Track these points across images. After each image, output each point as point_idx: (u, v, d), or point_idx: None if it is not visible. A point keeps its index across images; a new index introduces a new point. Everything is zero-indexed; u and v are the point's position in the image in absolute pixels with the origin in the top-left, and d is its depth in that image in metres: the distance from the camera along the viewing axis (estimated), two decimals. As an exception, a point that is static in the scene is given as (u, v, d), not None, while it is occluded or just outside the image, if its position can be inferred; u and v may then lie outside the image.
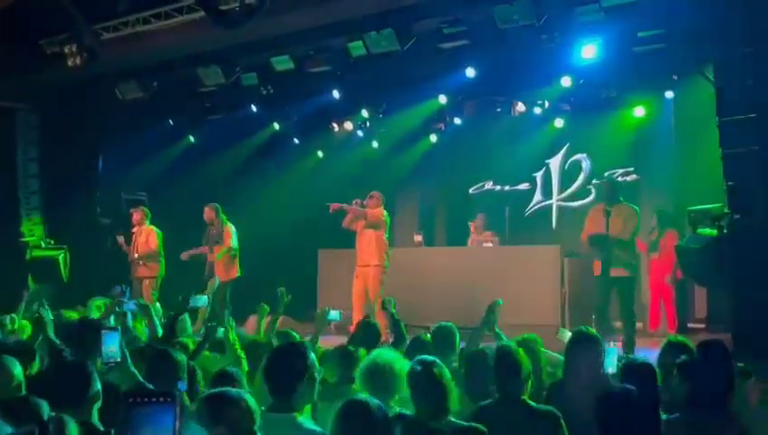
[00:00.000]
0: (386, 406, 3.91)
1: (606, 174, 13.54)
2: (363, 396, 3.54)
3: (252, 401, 3.14)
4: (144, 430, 1.43)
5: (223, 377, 4.21)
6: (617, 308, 9.21)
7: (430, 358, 3.95)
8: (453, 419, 3.75)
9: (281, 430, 3.44)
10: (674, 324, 10.61)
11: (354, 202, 10.48)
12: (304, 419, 3.55)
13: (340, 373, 4.86)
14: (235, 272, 11.12)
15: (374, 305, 9.74)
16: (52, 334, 5.62)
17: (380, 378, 4.10)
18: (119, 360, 4.55)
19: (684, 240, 8.08)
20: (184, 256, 11.42)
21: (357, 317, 9.35)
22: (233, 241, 11.07)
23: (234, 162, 13.88)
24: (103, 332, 4.60)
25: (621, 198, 9.31)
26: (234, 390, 3.31)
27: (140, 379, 4.49)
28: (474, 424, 3.73)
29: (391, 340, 6.38)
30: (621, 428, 3.18)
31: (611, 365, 4.53)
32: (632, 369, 4.14)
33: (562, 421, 3.95)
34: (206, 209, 11.15)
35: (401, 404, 4.05)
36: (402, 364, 4.14)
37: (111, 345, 4.50)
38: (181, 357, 4.62)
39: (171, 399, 1.47)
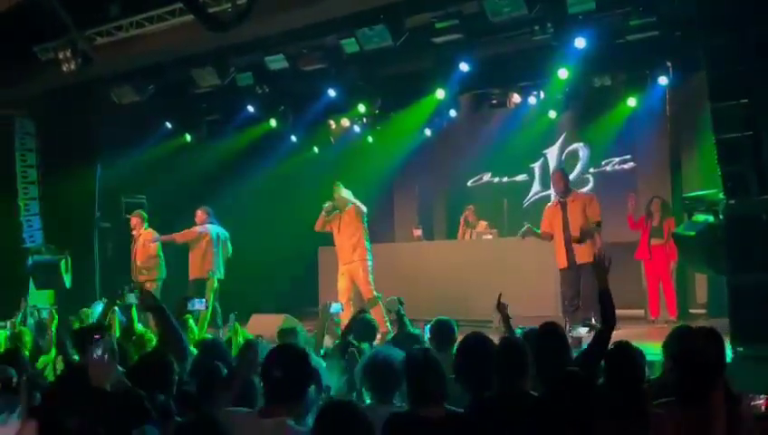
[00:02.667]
0: (389, 403, 3.95)
1: (603, 162, 13.61)
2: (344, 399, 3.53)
3: None
4: None
5: None
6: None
7: (425, 347, 4.00)
8: (448, 406, 3.78)
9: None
10: (674, 311, 10.63)
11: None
12: (294, 423, 3.47)
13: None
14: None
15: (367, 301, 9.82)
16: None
17: (382, 375, 4.12)
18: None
19: (680, 227, 8.12)
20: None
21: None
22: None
23: (232, 162, 13.90)
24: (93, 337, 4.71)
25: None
26: None
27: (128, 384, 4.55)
28: (459, 410, 3.75)
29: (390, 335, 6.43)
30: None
31: None
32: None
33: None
34: (199, 213, 11.44)
35: (403, 400, 4.07)
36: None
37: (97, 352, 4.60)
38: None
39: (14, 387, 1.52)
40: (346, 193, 10.39)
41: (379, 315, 8.87)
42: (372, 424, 3.20)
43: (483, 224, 12.48)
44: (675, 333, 4.38)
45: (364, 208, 10.40)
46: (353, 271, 10.27)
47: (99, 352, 4.58)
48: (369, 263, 10.28)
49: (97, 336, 4.70)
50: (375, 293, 9.97)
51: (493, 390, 4.14)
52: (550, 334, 4.75)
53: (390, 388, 4.09)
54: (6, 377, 3.83)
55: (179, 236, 11.41)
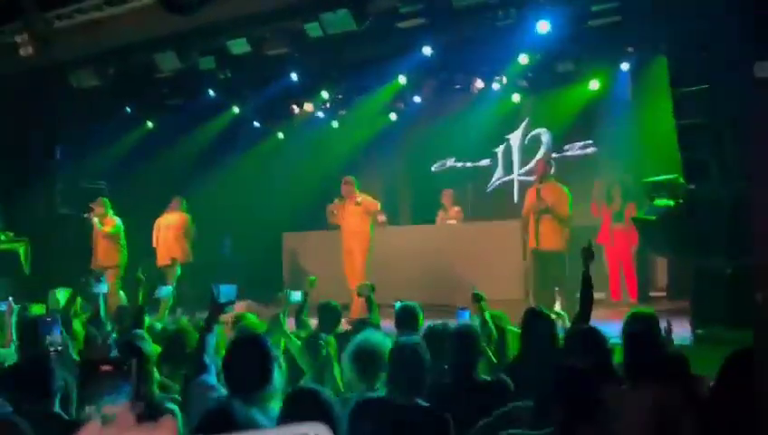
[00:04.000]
0: (372, 389, 3.96)
1: (566, 147, 13.71)
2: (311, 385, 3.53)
3: None
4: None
5: None
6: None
7: (415, 339, 4.02)
8: (420, 401, 3.81)
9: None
10: (635, 294, 10.78)
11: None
12: (257, 412, 3.45)
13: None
14: None
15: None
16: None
17: (368, 361, 4.12)
18: (60, 348, 4.62)
19: (641, 212, 8.21)
20: None
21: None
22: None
23: (193, 147, 13.76)
24: (42, 322, 4.69)
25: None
26: None
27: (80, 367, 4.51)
28: (432, 408, 3.78)
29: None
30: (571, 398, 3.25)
31: None
32: None
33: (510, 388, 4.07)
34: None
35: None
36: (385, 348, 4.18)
37: (53, 334, 4.59)
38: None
39: (127, 365, 1.47)
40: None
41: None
42: (336, 411, 3.21)
43: (455, 209, 12.46)
44: (640, 317, 4.47)
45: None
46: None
47: (54, 335, 4.56)
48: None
49: (49, 319, 4.70)
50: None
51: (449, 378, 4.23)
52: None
53: (376, 374, 4.09)
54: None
55: None
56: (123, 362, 1.45)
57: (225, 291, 4.23)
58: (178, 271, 11.07)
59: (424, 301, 9.24)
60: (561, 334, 5.05)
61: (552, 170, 10.06)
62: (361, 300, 7.27)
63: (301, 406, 3.16)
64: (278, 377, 3.61)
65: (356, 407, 3.63)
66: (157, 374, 4.49)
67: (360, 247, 10.49)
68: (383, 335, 4.52)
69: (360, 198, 10.62)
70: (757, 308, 2.15)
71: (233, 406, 3.27)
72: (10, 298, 5.90)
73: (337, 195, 10.94)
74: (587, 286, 5.09)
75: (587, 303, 5.09)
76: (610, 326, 6.65)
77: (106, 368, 1.44)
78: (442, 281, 10.77)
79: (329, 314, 6.18)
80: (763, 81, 1.95)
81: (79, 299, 6.99)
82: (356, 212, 10.56)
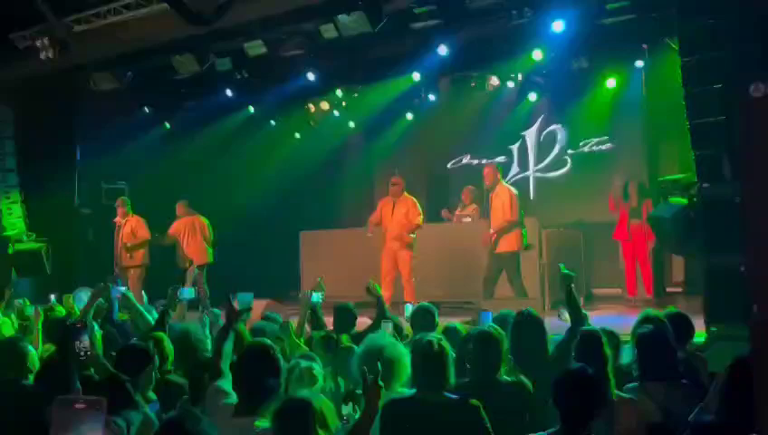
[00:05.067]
0: (390, 390, 4.05)
1: (581, 144, 13.74)
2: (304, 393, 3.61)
3: None
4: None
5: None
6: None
7: (437, 335, 4.11)
8: (448, 394, 3.89)
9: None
10: (651, 290, 10.80)
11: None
12: (263, 422, 3.51)
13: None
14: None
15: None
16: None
17: (382, 363, 4.20)
18: (89, 353, 4.75)
19: (655, 210, 8.25)
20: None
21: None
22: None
23: (211, 147, 13.90)
24: (73, 328, 4.82)
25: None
26: None
27: (112, 370, 4.63)
28: (468, 399, 3.87)
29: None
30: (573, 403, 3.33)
31: None
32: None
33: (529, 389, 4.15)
34: (178, 206, 11.63)
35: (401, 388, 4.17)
36: (401, 349, 4.28)
37: (82, 340, 4.72)
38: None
39: (100, 407, 1.64)
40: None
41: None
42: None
43: (473, 207, 12.46)
44: (651, 319, 4.52)
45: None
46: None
47: (83, 340, 4.70)
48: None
49: (79, 325, 4.83)
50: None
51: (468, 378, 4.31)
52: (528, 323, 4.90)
53: (393, 376, 4.15)
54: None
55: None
56: (96, 402, 1.60)
57: (243, 298, 4.32)
58: (195, 271, 11.20)
59: (440, 298, 9.40)
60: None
61: (498, 175, 10.13)
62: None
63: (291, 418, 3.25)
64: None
65: (385, 407, 3.70)
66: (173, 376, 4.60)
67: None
68: (390, 337, 4.60)
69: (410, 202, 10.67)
70: (754, 319, 2.22)
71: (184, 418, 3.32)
72: (36, 305, 6.03)
73: (352, 193, 11.04)
74: (572, 304, 5.11)
75: (576, 311, 5.13)
76: (626, 321, 6.73)
77: (80, 406, 1.58)
78: (458, 278, 10.83)
79: (344, 315, 6.25)
80: (757, 100, 2.02)
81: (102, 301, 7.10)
82: (401, 214, 10.61)
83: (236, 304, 4.26)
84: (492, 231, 9.81)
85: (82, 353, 4.72)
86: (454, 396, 3.88)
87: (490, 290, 9.74)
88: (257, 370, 3.68)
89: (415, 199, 10.74)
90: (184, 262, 11.51)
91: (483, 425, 3.71)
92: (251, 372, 3.69)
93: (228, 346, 4.02)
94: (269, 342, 3.99)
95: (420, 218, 10.61)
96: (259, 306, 7.95)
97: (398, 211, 10.58)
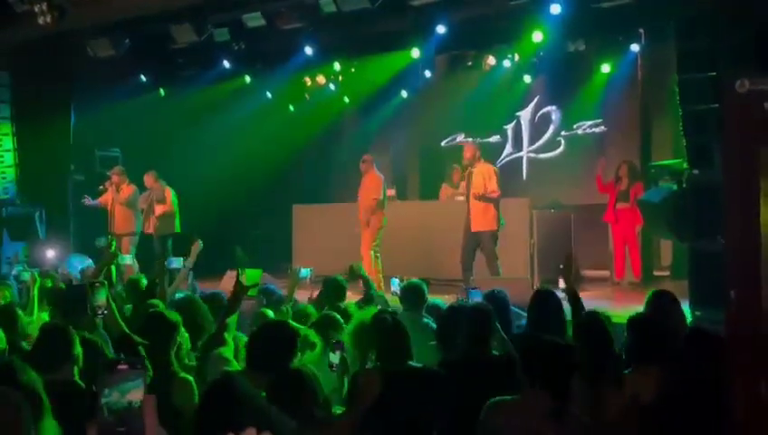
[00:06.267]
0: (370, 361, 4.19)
1: (575, 126, 13.82)
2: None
3: None
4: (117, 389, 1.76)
5: None
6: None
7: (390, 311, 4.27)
8: (412, 363, 4.05)
9: None
10: (639, 273, 10.92)
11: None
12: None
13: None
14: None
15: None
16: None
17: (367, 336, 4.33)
18: (105, 312, 4.83)
19: (645, 194, 8.35)
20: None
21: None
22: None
23: (206, 116, 13.90)
24: (92, 286, 4.89)
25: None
26: None
27: (126, 330, 4.72)
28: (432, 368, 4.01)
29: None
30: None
31: None
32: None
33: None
34: (147, 177, 11.67)
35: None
36: None
37: (100, 299, 4.80)
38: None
39: (141, 366, 1.80)
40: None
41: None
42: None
43: (463, 185, 12.53)
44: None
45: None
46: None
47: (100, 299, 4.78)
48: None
49: (97, 284, 4.91)
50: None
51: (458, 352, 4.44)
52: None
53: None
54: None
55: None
56: (137, 362, 1.75)
57: (251, 274, 4.44)
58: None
59: (431, 276, 9.50)
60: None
61: (479, 153, 10.23)
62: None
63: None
64: None
65: (353, 379, 3.84)
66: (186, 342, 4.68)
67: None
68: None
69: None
70: (729, 304, 2.32)
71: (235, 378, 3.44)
72: (32, 271, 6.10)
73: (346, 167, 11.12)
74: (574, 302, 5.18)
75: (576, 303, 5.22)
76: (610, 304, 6.87)
77: (122, 367, 1.73)
78: (447, 256, 10.95)
79: (333, 287, 6.34)
80: (741, 96, 2.10)
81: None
82: (366, 189, 10.75)
83: (244, 279, 4.37)
84: (470, 206, 9.92)
85: (99, 312, 4.82)
86: (417, 365, 4.06)
87: (470, 271, 9.88)
88: (269, 345, 3.79)
89: (379, 177, 10.80)
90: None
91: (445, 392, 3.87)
92: (262, 346, 3.80)
93: (233, 319, 4.13)
94: (292, 323, 4.11)
95: (378, 196, 10.65)
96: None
97: (364, 186, 10.81)
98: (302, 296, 6.98)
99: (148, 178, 11.67)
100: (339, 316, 5.03)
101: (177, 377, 4.05)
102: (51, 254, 10.58)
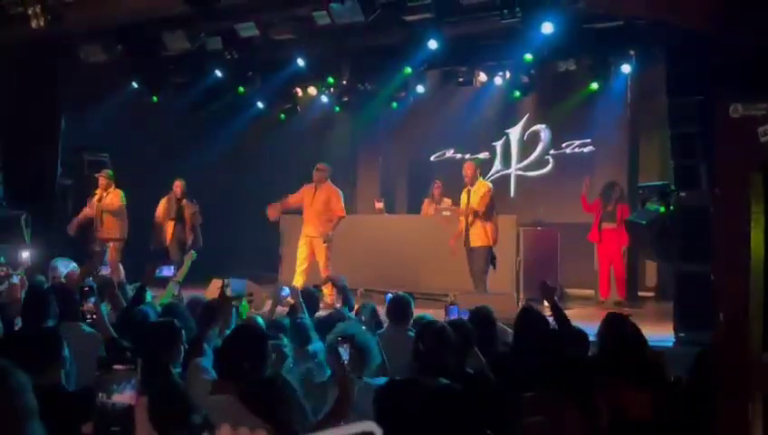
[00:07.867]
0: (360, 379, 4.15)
1: (564, 145, 13.90)
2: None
3: None
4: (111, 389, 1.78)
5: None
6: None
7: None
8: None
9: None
10: (623, 293, 10.96)
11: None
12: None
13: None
14: None
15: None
16: None
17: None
18: (94, 316, 4.84)
19: (633, 215, 8.40)
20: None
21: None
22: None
23: (198, 125, 13.90)
24: (80, 290, 4.91)
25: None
26: None
27: (113, 334, 4.70)
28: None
29: (338, 305, 6.66)
30: None
31: None
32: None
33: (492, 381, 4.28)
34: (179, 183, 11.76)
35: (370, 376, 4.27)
36: (370, 337, 4.38)
37: (89, 302, 4.83)
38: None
39: (135, 368, 1.82)
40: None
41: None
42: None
43: (447, 201, 12.60)
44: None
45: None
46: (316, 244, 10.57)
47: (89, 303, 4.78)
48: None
49: (87, 289, 4.91)
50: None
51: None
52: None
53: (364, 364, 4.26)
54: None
55: None
56: (132, 362, 1.76)
57: (236, 286, 4.44)
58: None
59: (416, 290, 9.51)
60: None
61: (479, 171, 10.35)
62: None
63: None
64: None
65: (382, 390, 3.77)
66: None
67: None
68: (359, 325, 4.73)
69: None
70: (718, 326, 2.35)
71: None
72: (21, 273, 6.05)
73: (335, 179, 11.14)
74: (558, 315, 5.22)
75: (562, 321, 5.27)
76: (595, 324, 6.87)
77: (118, 367, 1.75)
78: (433, 270, 10.97)
79: (309, 299, 6.36)
80: (733, 120, 2.13)
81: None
82: (320, 202, 10.63)
83: (229, 292, 4.36)
84: (468, 223, 9.98)
85: (88, 316, 4.83)
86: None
87: (483, 283, 9.90)
88: (238, 351, 3.75)
89: (339, 191, 10.76)
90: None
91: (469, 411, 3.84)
92: (231, 353, 3.76)
93: (215, 331, 4.12)
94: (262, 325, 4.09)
95: (341, 211, 10.59)
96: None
97: (318, 199, 10.63)
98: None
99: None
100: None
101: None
102: (25, 255, 10.41)
